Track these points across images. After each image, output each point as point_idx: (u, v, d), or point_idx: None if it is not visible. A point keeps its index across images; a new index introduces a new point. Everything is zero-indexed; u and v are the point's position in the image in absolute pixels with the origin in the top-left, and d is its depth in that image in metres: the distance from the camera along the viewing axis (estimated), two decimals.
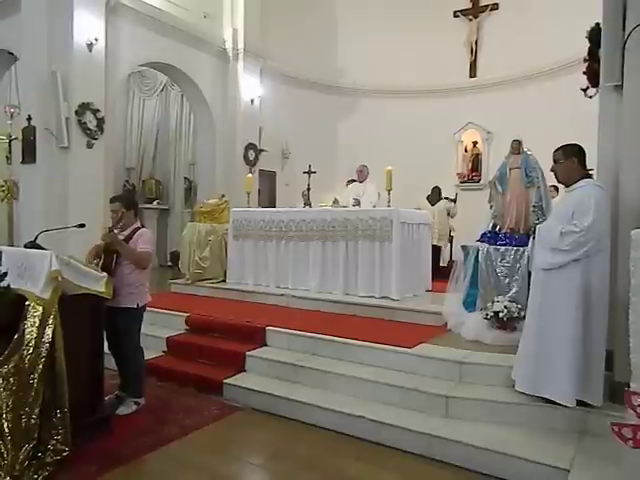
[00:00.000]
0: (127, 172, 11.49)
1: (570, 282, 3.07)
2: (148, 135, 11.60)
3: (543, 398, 3.20)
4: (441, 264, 8.15)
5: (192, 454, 3.23)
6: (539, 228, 3.35)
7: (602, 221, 3.04)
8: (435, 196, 8.67)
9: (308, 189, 7.34)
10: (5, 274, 3.13)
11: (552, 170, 3.33)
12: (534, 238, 3.41)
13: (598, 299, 3.06)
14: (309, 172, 7.36)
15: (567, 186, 3.28)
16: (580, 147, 3.24)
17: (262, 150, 10.73)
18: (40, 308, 2.99)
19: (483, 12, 11.48)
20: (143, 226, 4.01)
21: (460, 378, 3.69)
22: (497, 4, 11.31)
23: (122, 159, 11.31)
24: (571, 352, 3.05)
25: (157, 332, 5.01)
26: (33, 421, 2.86)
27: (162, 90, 11.46)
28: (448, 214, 8.70)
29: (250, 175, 8.01)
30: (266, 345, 4.60)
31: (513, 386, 3.39)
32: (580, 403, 3.10)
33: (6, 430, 2.78)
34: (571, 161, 3.20)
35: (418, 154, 10.95)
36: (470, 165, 11.59)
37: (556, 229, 3.11)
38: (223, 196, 7.66)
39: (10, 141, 7.82)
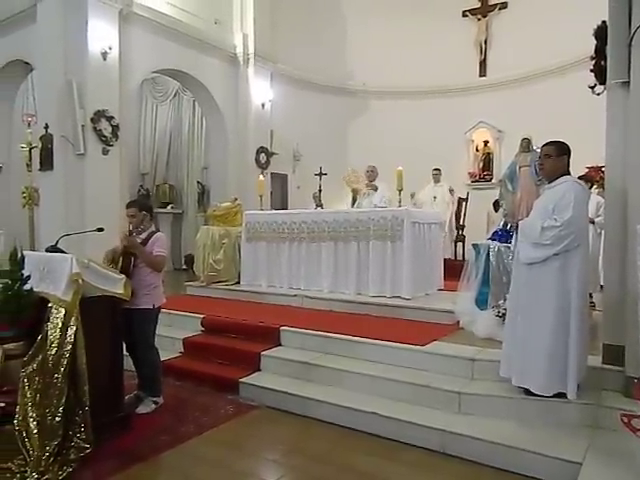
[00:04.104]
0: (141, 177, 11.65)
1: (549, 276, 3.13)
2: (161, 141, 11.74)
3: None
4: None
5: (209, 451, 3.31)
6: (521, 224, 3.40)
7: (581, 216, 3.14)
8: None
9: (319, 191, 7.42)
10: (28, 277, 3.24)
11: (540, 163, 3.37)
12: (517, 234, 3.46)
13: (576, 293, 3.11)
14: (320, 174, 7.44)
15: (550, 182, 3.34)
16: (569, 147, 3.30)
17: (273, 153, 10.81)
18: (62, 310, 3.10)
19: (492, 11, 11.45)
20: (158, 230, 4.12)
21: (472, 375, 3.72)
22: (506, 3, 11.28)
23: (136, 165, 11.46)
24: (550, 345, 3.12)
25: (174, 333, 5.11)
26: (58, 419, 2.96)
27: (174, 96, 11.60)
28: None
29: (262, 178, 8.09)
30: (280, 345, 4.67)
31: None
32: (559, 395, 3.15)
33: (33, 428, 2.89)
34: (561, 159, 3.26)
35: (429, 154, 10.90)
36: (481, 164, 11.57)
37: (537, 224, 3.17)
38: (236, 199, 7.75)
39: (30, 149, 7.99)
